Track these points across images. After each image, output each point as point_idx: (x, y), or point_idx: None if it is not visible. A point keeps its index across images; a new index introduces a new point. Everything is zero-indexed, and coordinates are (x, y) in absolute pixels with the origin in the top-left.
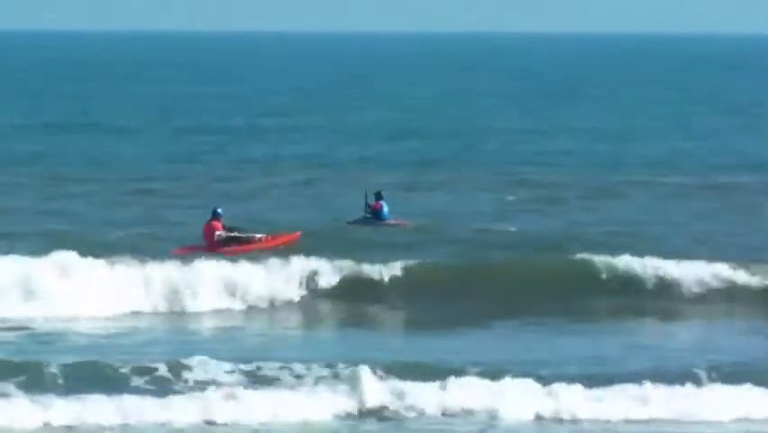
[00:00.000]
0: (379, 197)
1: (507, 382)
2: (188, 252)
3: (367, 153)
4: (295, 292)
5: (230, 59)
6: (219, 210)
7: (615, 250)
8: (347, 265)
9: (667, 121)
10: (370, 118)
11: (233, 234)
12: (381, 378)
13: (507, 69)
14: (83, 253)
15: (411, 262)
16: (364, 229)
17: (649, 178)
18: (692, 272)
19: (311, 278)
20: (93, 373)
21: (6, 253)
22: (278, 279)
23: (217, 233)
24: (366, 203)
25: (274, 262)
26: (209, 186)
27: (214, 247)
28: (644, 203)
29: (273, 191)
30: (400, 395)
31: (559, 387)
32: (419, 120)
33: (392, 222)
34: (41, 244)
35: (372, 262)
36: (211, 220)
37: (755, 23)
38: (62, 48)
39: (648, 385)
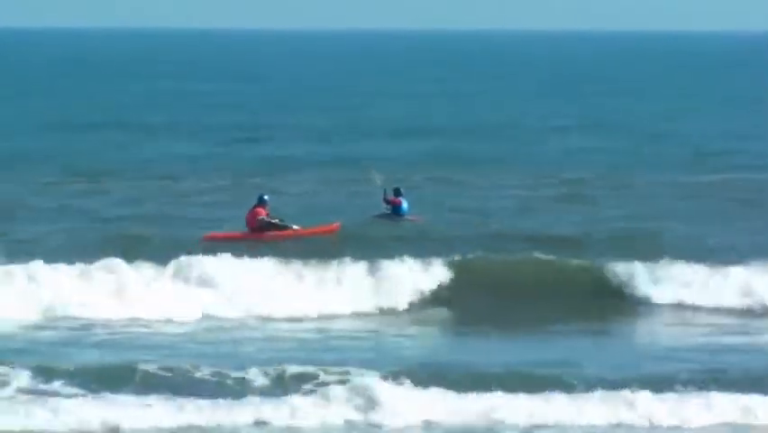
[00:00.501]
0: (398, 192)
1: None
2: (222, 238)
3: (382, 150)
4: (335, 294)
5: (233, 56)
6: (266, 197)
7: (636, 251)
8: (379, 264)
9: (683, 119)
10: (384, 116)
11: (274, 222)
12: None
13: (515, 66)
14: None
15: (441, 260)
16: (388, 224)
17: (672, 176)
18: (711, 274)
19: (344, 279)
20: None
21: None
22: (320, 281)
23: (260, 217)
24: (385, 198)
25: (313, 263)
26: (226, 184)
27: (255, 233)
28: (667, 201)
29: (290, 189)
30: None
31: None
32: (435, 117)
33: (410, 217)
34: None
35: (400, 259)
36: (256, 206)
37: (756, 21)
38: (63, 46)
39: (714, 393)
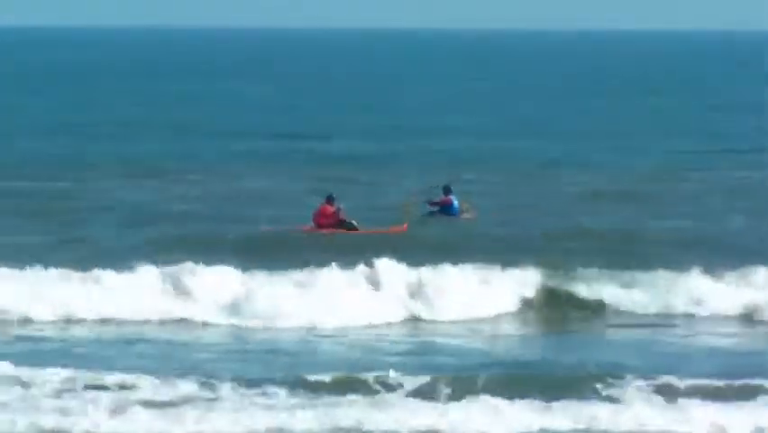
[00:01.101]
0: (447, 190)
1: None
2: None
3: (423, 149)
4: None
5: (244, 55)
6: (334, 195)
7: (693, 251)
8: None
9: (724, 120)
10: (424, 116)
11: (348, 221)
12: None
13: (557, 65)
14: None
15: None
16: (444, 224)
17: (725, 173)
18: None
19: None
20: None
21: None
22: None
23: (339, 214)
24: (431, 202)
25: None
26: (285, 182)
27: (322, 227)
28: (722, 200)
29: (351, 188)
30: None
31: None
32: (480, 116)
33: (465, 216)
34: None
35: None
36: (324, 204)
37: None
38: (65, 45)
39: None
